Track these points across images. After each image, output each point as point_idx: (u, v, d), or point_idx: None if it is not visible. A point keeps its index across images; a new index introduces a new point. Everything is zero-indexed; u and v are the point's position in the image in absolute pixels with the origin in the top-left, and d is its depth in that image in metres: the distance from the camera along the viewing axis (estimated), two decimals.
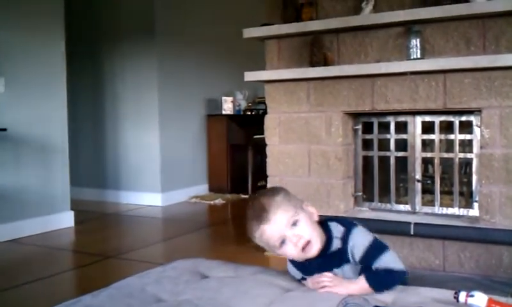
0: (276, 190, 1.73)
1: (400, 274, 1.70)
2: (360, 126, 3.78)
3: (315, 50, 3.62)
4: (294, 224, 1.66)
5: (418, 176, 3.60)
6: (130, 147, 6.30)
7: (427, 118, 3.55)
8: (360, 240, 1.76)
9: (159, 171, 6.09)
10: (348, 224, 1.81)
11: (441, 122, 3.52)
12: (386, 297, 1.62)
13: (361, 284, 1.66)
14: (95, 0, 6.48)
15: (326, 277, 1.68)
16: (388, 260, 1.71)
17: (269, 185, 3.95)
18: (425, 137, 3.59)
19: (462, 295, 1.51)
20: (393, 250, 1.75)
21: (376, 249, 1.74)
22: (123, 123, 6.34)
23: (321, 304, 1.53)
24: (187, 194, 6.41)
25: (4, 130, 4.42)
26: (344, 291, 1.63)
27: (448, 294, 1.58)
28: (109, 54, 6.42)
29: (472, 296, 1.50)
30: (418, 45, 3.29)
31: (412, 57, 3.31)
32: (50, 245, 4.41)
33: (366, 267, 1.69)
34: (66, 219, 4.99)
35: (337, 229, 1.77)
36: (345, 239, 1.75)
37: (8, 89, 4.53)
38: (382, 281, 1.68)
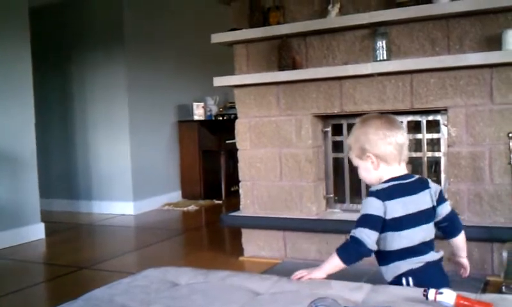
0: None
1: (365, 248, 1.79)
2: (329, 129, 3.81)
3: (283, 53, 3.63)
4: None
5: None
6: (101, 156, 6.23)
7: None
8: (361, 209, 1.90)
9: (130, 179, 6.04)
10: (372, 191, 1.88)
11: (409, 122, 3.56)
12: (356, 296, 1.63)
13: (332, 260, 1.84)
14: (63, 9, 6.39)
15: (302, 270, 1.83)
16: (361, 233, 1.80)
17: (241, 191, 3.95)
18: None
19: (431, 293, 1.53)
20: (373, 231, 1.82)
21: (358, 221, 1.85)
22: (93, 132, 6.27)
23: (291, 306, 1.53)
24: (159, 201, 6.36)
25: None
26: (319, 274, 1.80)
27: (417, 292, 1.59)
28: (78, 62, 6.34)
29: (441, 293, 1.52)
30: (385, 46, 3.33)
31: (379, 59, 3.34)
32: (21, 258, 4.33)
33: None
34: (36, 231, 4.91)
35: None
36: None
37: None
38: (348, 249, 1.83)
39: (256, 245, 3.87)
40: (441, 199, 1.93)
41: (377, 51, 3.34)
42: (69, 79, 6.41)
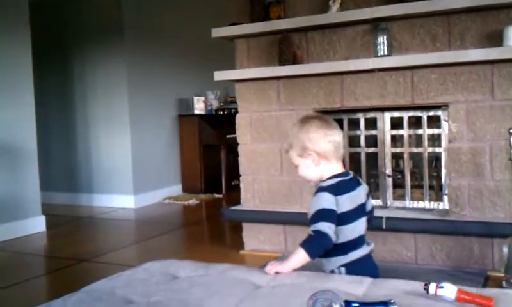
0: None
1: (329, 241, 1.85)
2: None
3: (284, 48, 3.63)
4: None
5: (388, 171, 3.64)
6: (101, 149, 6.23)
7: (396, 114, 3.59)
8: (313, 204, 1.93)
9: (131, 172, 6.05)
10: (323, 186, 1.94)
11: (409, 117, 3.56)
12: (357, 290, 1.64)
13: (298, 254, 1.87)
14: (63, 4, 6.38)
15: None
16: (324, 227, 1.85)
17: (242, 185, 3.96)
18: (395, 132, 3.63)
19: (432, 287, 1.53)
20: (332, 223, 1.88)
21: (316, 216, 1.89)
22: (93, 126, 6.28)
23: (292, 300, 1.54)
24: (160, 195, 6.37)
25: None
26: (284, 268, 1.85)
27: (418, 286, 1.60)
28: (78, 56, 6.34)
29: (442, 287, 1.52)
30: (385, 42, 3.33)
31: (379, 54, 3.34)
32: (22, 250, 4.35)
33: None
34: (37, 224, 4.92)
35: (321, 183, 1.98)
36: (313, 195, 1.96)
37: None
38: (314, 243, 1.86)
39: (257, 239, 3.88)
40: (368, 195, 2.10)
41: (378, 46, 3.34)
42: (69, 73, 6.41)
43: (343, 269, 1.93)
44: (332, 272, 1.95)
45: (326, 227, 1.84)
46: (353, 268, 1.91)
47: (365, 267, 1.92)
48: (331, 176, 1.96)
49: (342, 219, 1.90)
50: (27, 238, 4.71)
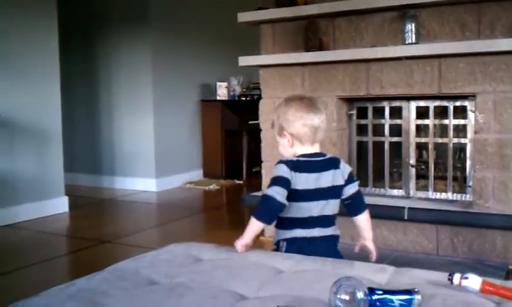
0: None
1: (275, 202, 1.88)
2: (354, 112, 3.78)
3: (310, 34, 3.61)
4: None
5: (412, 161, 3.61)
6: (124, 133, 6.28)
7: (422, 103, 3.55)
8: (273, 171, 1.98)
9: (153, 156, 6.08)
10: (282, 160, 2.00)
11: (435, 107, 3.52)
12: (380, 277, 1.63)
13: (251, 223, 1.92)
14: None
15: None
16: (270, 190, 1.90)
17: (263, 171, 3.95)
18: (420, 122, 3.59)
19: (456, 277, 1.51)
20: (282, 187, 1.91)
21: (269, 183, 1.94)
22: (117, 109, 6.32)
23: (314, 284, 1.54)
24: (181, 179, 6.40)
25: None
26: (244, 240, 1.89)
27: (442, 276, 1.58)
28: (103, 40, 6.37)
29: (466, 278, 1.50)
30: (414, 29, 3.29)
31: (407, 42, 3.30)
32: (45, 230, 4.41)
33: None
34: (60, 205, 4.98)
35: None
36: None
37: (1, 76, 4.50)
38: (260, 207, 1.92)
39: None
40: (350, 180, 2.07)
41: (406, 34, 3.30)
42: (94, 57, 6.44)
43: (284, 243, 1.99)
44: (277, 244, 2.03)
45: (272, 190, 1.89)
46: (293, 246, 1.96)
47: (316, 250, 1.92)
48: (298, 156, 2.00)
49: (296, 195, 1.93)
50: (50, 218, 4.78)
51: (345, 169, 2.07)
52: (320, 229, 2.00)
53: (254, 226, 1.91)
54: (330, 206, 2.01)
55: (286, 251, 1.96)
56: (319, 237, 2.00)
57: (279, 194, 1.88)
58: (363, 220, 2.17)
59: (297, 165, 1.95)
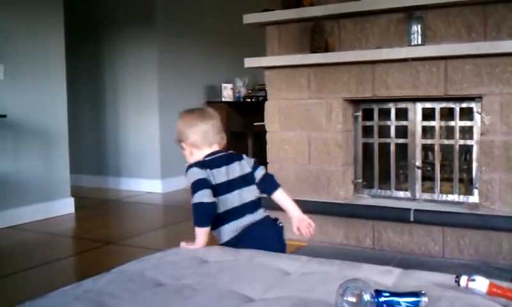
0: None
1: (206, 205, 2.02)
2: (360, 113, 3.78)
3: (315, 36, 3.60)
4: None
5: (418, 162, 3.60)
6: (130, 134, 6.29)
7: (428, 105, 3.54)
8: (188, 183, 2.11)
9: (159, 157, 6.09)
10: (191, 164, 2.16)
11: (441, 109, 3.51)
12: (386, 280, 1.63)
13: (196, 232, 2.04)
14: None
15: None
16: (196, 197, 2.03)
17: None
18: (426, 123, 3.58)
19: (463, 279, 1.51)
20: (204, 189, 2.05)
21: (192, 192, 2.07)
22: (123, 110, 6.33)
23: (321, 287, 1.53)
24: (187, 181, 6.39)
25: (4, 116, 4.41)
26: (192, 245, 2.03)
27: (449, 278, 1.58)
28: (109, 41, 6.38)
29: (473, 280, 1.50)
30: (420, 31, 3.28)
31: (413, 43, 3.30)
32: (51, 231, 4.42)
33: None
34: (66, 206, 5.00)
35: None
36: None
37: (7, 76, 4.51)
38: (197, 215, 2.05)
39: None
40: (256, 166, 2.27)
41: (412, 35, 3.29)
42: (100, 58, 6.46)
43: (234, 241, 2.08)
44: (225, 244, 2.10)
45: (198, 197, 2.03)
46: (243, 239, 2.07)
47: (250, 237, 2.06)
48: (203, 157, 2.18)
49: (216, 190, 2.08)
50: (56, 219, 4.79)
51: (249, 159, 2.28)
52: (249, 216, 2.13)
53: (200, 234, 2.05)
54: (246, 193, 2.16)
55: (234, 245, 2.06)
56: (253, 223, 2.12)
57: (205, 196, 2.02)
58: (280, 196, 2.29)
59: (206, 164, 2.12)
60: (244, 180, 2.18)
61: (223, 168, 2.14)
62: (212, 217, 2.06)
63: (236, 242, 2.06)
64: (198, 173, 2.07)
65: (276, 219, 2.21)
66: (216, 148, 2.22)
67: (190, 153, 2.22)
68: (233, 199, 2.12)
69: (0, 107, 4.43)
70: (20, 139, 4.62)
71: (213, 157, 2.18)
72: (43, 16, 4.84)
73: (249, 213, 2.14)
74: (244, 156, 2.28)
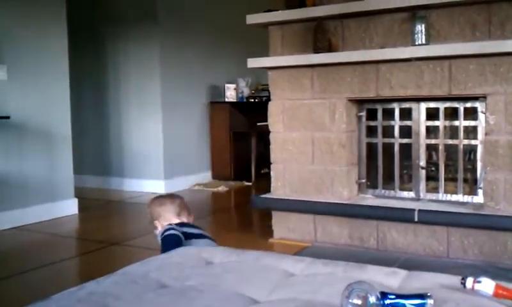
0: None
1: (171, 237, 2.41)
2: (364, 113, 3.76)
3: (319, 36, 3.60)
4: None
5: (422, 163, 3.59)
6: (133, 134, 6.29)
7: (432, 105, 3.53)
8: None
9: (162, 158, 6.09)
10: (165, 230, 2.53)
11: (445, 108, 3.50)
12: (392, 281, 1.62)
13: None
14: None
15: None
16: (166, 236, 2.45)
17: (272, 173, 3.95)
18: (430, 123, 3.57)
19: (469, 281, 1.50)
20: (174, 231, 2.48)
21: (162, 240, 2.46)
22: (126, 111, 6.33)
23: (326, 288, 1.53)
24: (190, 181, 6.40)
25: (7, 117, 4.41)
26: None
27: (454, 280, 1.57)
28: (112, 42, 6.39)
29: (479, 282, 1.49)
30: (424, 30, 3.27)
31: (417, 43, 3.28)
32: (54, 232, 4.42)
33: None
34: (70, 206, 5.00)
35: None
36: None
37: (10, 77, 4.52)
38: (164, 249, 2.30)
39: (286, 227, 3.87)
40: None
41: (416, 35, 3.28)
42: (103, 58, 6.46)
43: None
44: None
45: (168, 233, 2.43)
46: None
47: None
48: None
49: (187, 236, 2.47)
50: (59, 220, 4.79)
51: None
52: None
53: None
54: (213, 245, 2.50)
55: None
56: None
57: (173, 231, 2.42)
58: None
59: (177, 224, 2.53)
60: (209, 238, 2.60)
61: (191, 228, 2.57)
62: (177, 246, 2.28)
63: None
64: (171, 231, 2.45)
65: None
66: (184, 220, 2.64)
67: (160, 225, 2.61)
68: (202, 243, 2.47)
69: (4, 108, 4.43)
70: (23, 140, 4.62)
71: (183, 224, 2.58)
72: (46, 17, 4.84)
73: None
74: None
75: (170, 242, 2.34)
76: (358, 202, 3.64)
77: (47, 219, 4.72)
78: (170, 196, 2.77)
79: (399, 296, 1.41)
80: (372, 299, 1.32)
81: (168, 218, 2.60)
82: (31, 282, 3.21)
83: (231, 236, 4.15)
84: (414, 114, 3.58)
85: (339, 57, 3.56)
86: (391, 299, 1.38)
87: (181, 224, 2.56)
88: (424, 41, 3.27)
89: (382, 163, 3.73)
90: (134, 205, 5.59)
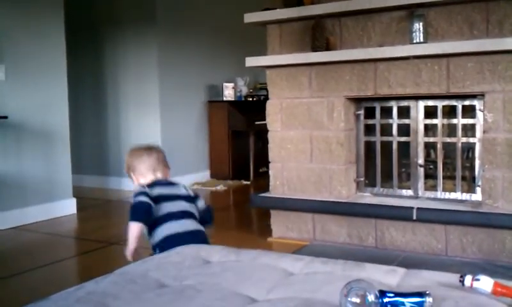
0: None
1: (143, 202, 2.33)
2: (362, 112, 3.77)
3: (317, 34, 3.59)
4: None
5: (420, 161, 3.59)
6: (131, 134, 6.29)
7: (430, 103, 3.53)
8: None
9: None
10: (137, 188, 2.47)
11: (444, 106, 3.50)
12: (390, 280, 1.62)
13: (128, 228, 2.32)
14: None
15: None
16: (135, 199, 2.35)
17: (271, 172, 3.95)
18: (428, 121, 3.57)
19: (467, 279, 1.50)
20: (144, 196, 2.37)
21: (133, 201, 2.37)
22: (124, 110, 6.33)
23: (325, 287, 1.52)
24: (188, 180, 6.39)
25: (5, 117, 4.41)
26: (128, 248, 2.33)
27: (453, 278, 1.57)
28: (110, 40, 6.38)
29: (478, 280, 1.49)
30: (421, 28, 3.27)
31: (415, 41, 3.29)
32: (53, 232, 4.42)
33: None
34: (68, 206, 4.99)
35: None
36: None
37: (8, 77, 4.51)
38: (131, 213, 2.32)
39: (285, 226, 3.88)
40: (196, 197, 2.57)
41: (414, 33, 3.28)
42: (101, 58, 6.46)
43: (157, 248, 2.34)
44: (153, 249, 2.38)
45: (137, 199, 2.33)
46: (165, 244, 2.28)
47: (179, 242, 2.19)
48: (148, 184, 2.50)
49: (156, 199, 2.38)
50: (58, 219, 4.79)
51: (189, 189, 2.59)
52: (181, 225, 2.38)
53: (132, 229, 2.31)
54: (185, 205, 2.45)
55: (161, 251, 2.22)
56: (183, 232, 2.35)
57: (143, 197, 2.33)
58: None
59: (149, 185, 2.46)
60: (183, 198, 2.50)
61: (162, 188, 2.48)
62: (146, 215, 2.33)
63: (164, 245, 2.27)
64: (140, 191, 2.38)
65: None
66: (159, 175, 2.57)
67: (137, 179, 2.59)
68: (171, 206, 2.41)
69: (2, 108, 4.43)
70: (21, 140, 4.61)
71: (155, 183, 2.51)
72: (44, 16, 4.84)
73: (183, 219, 2.40)
74: (185, 186, 2.59)
75: (139, 211, 2.33)
76: (356, 200, 3.64)
77: (46, 219, 4.72)
78: (148, 149, 2.67)
79: (397, 294, 1.41)
80: (371, 298, 1.32)
81: (143, 172, 2.57)
82: (30, 282, 3.21)
83: (229, 235, 4.15)
84: (412, 112, 3.59)
85: (337, 55, 3.56)
86: (389, 297, 1.38)
87: (154, 184, 2.49)
88: (422, 40, 3.27)
89: (380, 161, 3.74)
90: None
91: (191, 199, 2.54)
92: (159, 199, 2.40)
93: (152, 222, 2.37)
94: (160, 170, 2.60)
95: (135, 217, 2.32)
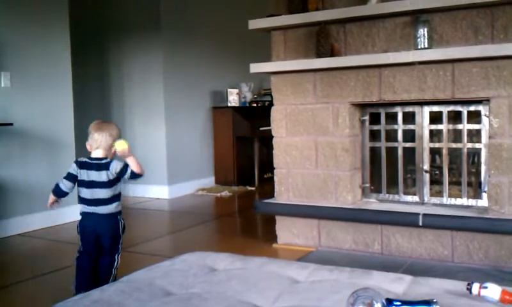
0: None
1: (60, 190, 2.92)
2: (367, 117, 3.76)
3: (321, 40, 3.59)
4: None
5: (426, 166, 3.58)
6: (136, 140, 6.28)
7: (435, 108, 3.52)
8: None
9: (165, 163, 6.09)
10: (77, 159, 2.94)
11: (449, 112, 3.49)
12: (397, 287, 1.61)
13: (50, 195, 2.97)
14: None
15: None
16: (60, 182, 2.92)
17: (276, 178, 3.94)
18: (433, 127, 3.56)
19: (475, 287, 1.50)
20: (68, 181, 2.91)
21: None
22: (129, 116, 6.34)
23: (331, 295, 1.52)
24: (193, 186, 6.40)
25: (11, 124, 4.42)
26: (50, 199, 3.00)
27: (460, 285, 1.56)
28: (115, 47, 6.40)
29: (486, 288, 1.48)
30: (426, 34, 3.26)
31: (420, 47, 3.28)
32: (59, 238, 4.42)
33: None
34: (73, 213, 4.97)
35: None
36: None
37: (14, 84, 4.53)
38: (54, 190, 2.94)
39: (290, 232, 3.87)
40: (120, 172, 2.93)
41: (419, 39, 3.27)
42: (107, 65, 6.48)
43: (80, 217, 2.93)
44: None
45: (62, 182, 2.88)
46: (82, 218, 2.92)
47: (89, 220, 2.90)
48: (88, 157, 2.90)
49: (80, 183, 2.86)
50: (64, 226, 4.79)
51: (115, 167, 2.88)
52: (93, 208, 2.86)
53: (51, 195, 2.94)
54: (97, 193, 2.84)
55: (81, 219, 2.92)
56: (93, 213, 2.86)
57: (64, 185, 2.87)
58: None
59: (82, 164, 2.86)
60: (95, 184, 2.85)
61: (86, 171, 2.85)
62: (60, 196, 2.93)
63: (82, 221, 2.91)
64: (72, 169, 2.86)
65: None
66: (100, 153, 2.89)
67: (90, 148, 2.94)
68: (86, 193, 2.84)
69: (7, 115, 4.44)
70: (27, 147, 4.62)
71: (88, 160, 2.87)
72: (49, 24, 4.85)
73: (94, 206, 2.85)
74: (111, 165, 2.87)
75: (66, 177, 2.86)
76: (362, 206, 3.63)
77: (52, 226, 4.72)
78: (105, 129, 3.02)
79: (404, 302, 1.41)
80: (378, 306, 1.32)
81: (90, 143, 2.93)
82: (35, 289, 3.21)
83: (235, 242, 4.14)
84: (417, 117, 3.58)
85: (342, 61, 3.56)
86: (397, 305, 1.38)
87: (90, 160, 2.87)
88: (426, 45, 3.26)
89: (386, 167, 3.72)
90: (138, 211, 5.58)
91: (104, 184, 2.88)
92: (81, 184, 2.88)
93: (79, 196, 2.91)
94: (102, 147, 2.94)
95: (54, 193, 2.95)
